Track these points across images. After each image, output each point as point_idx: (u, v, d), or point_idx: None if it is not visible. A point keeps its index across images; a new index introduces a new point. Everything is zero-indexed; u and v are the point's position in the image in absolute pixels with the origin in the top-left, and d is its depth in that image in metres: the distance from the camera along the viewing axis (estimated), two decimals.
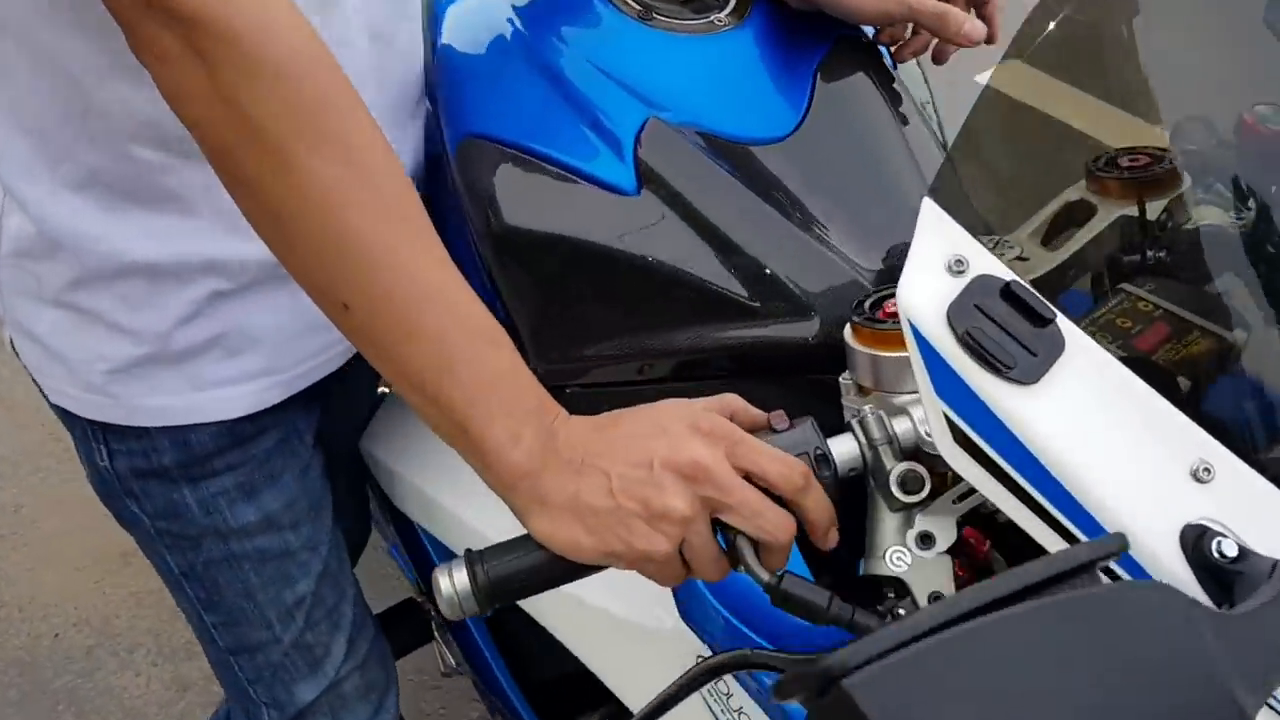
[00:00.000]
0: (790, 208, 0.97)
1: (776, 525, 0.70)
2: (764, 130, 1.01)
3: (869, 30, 1.10)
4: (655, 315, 0.95)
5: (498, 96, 1.00)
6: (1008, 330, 0.65)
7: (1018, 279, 0.66)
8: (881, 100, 1.06)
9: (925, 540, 0.74)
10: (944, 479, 0.76)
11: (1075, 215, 0.95)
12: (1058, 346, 0.65)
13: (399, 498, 1.19)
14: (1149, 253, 0.93)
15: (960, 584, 0.77)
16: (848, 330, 0.81)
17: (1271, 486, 0.64)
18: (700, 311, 0.94)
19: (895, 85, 1.09)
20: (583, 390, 0.97)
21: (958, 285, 0.67)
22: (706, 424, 0.72)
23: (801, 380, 0.95)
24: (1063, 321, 0.65)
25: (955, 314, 0.65)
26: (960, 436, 0.66)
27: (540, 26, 1.03)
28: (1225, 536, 0.62)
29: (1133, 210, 0.92)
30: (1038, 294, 0.65)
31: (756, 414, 0.79)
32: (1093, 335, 0.76)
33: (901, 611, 0.74)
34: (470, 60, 1.02)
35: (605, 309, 0.96)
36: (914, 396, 0.76)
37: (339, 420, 1.18)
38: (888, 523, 0.76)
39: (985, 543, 0.78)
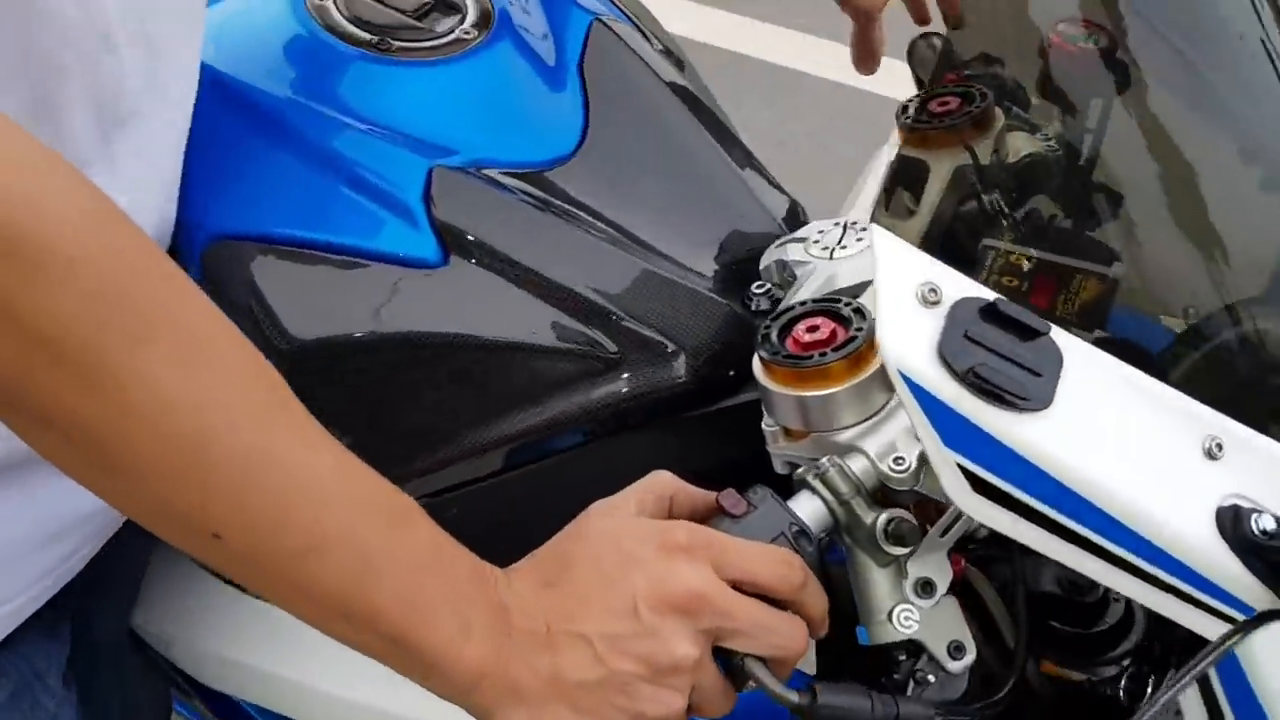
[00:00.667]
0: (613, 231, 0.85)
1: (791, 637, 0.61)
2: (552, 149, 0.87)
3: None
4: (501, 396, 0.81)
5: (236, 180, 0.80)
6: (1005, 355, 0.58)
7: (1001, 297, 0.58)
8: (656, 81, 0.95)
9: (926, 588, 0.67)
10: (926, 515, 0.68)
11: (909, 176, 0.90)
12: (1057, 358, 0.59)
13: (211, 677, 0.97)
14: (990, 198, 0.89)
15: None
16: (758, 368, 0.71)
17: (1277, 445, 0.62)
18: (552, 379, 0.81)
19: (664, 59, 0.98)
20: (434, 500, 0.81)
21: (938, 318, 0.58)
22: (678, 537, 0.62)
23: (674, 421, 0.84)
24: (1055, 330, 0.58)
25: (949, 352, 0.57)
26: (978, 484, 0.58)
27: (261, 80, 0.82)
28: (1260, 511, 0.59)
29: (964, 159, 0.87)
30: (1024, 308, 0.58)
31: (695, 493, 0.69)
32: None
33: (931, 678, 0.67)
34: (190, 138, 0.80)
35: (441, 403, 0.80)
36: (859, 429, 0.68)
37: (103, 614, 0.93)
38: (879, 580, 0.67)
39: (960, 561, 0.71)
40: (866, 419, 0.69)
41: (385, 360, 0.78)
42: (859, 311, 0.70)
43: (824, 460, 0.67)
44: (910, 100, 0.92)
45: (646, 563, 0.61)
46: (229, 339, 0.55)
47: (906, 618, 0.66)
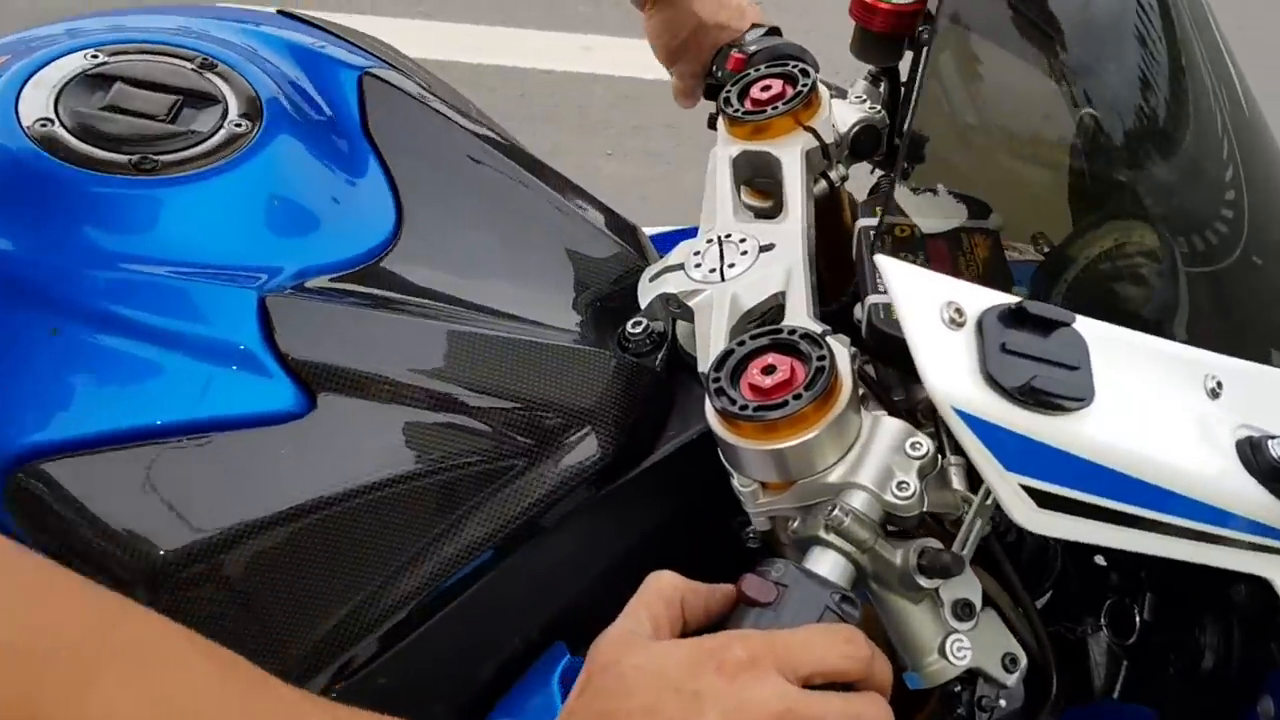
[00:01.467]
0: (467, 310, 0.74)
1: (882, 716, 0.55)
2: (372, 234, 0.76)
3: None
4: (410, 535, 0.69)
5: (15, 383, 0.61)
6: (1042, 358, 0.53)
7: (1024, 299, 0.54)
8: (446, 125, 0.84)
9: (966, 609, 0.62)
10: (931, 534, 0.64)
11: (756, 170, 0.84)
12: (1082, 345, 0.55)
13: None
14: (836, 175, 0.86)
15: None
16: (718, 424, 0.64)
17: (1265, 367, 0.62)
18: (463, 498, 0.70)
19: (441, 99, 0.87)
20: (363, 674, 0.68)
21: (969, 336, 0.53)
22: (736, 655, 0.54)
23: (601, 498, 0.76)
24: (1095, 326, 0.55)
25: (996, 372, 0.52)
26: (1041, 499, 0.54)
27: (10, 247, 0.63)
28: (1273, 437, 0.59)
29: (808, 141, 0.83)
30: (1048, 304, 0.54)
31: (701, 589, 0.61)
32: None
33: (1003, 703, 0.63)
34: None
35: (346, 568, 0.67)
36: (846, 464, 0.63)
37: None
38: (919, 618, 0.62)
39: None
40: (848, 451, 0.63)
41: (268, 542, 0.63)
42: (810, 339, 0.64)
43: (835, 512, 0.60)
44: (727, 91, 0.86)
45: (713, 696, 0.53)
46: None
47: (960, 648, 0.62)
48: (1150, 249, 0.64)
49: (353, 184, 0.76)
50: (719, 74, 0.98)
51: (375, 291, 0.71)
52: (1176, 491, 0.56)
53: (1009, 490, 0.53)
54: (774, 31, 0.99)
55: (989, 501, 0.62)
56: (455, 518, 0.69)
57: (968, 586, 0.63)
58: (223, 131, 0.71)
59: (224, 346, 0.64)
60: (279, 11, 0.91)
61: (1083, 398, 0.53)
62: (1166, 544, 0.56)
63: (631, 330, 0.81)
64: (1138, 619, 0.76)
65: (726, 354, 0.66)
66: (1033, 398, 0.52)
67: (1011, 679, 0.63)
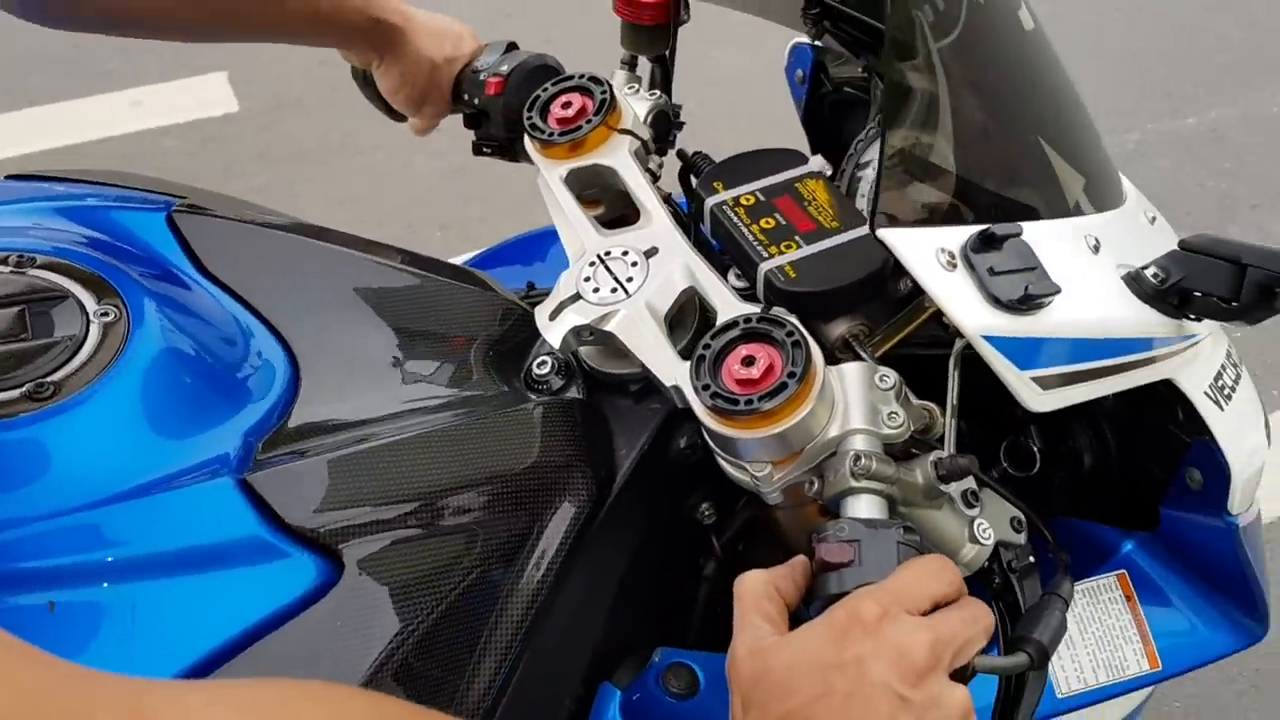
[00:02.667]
0: (403, 417, 0.73)
1: (987, 615, 0.63)
2: (278, 372, 0.71)
3: None
4: (468, 649, 0.68)
5: None
6: (1016, 269, 0.62)
7: (986, 226, 0.62)
8: (272, 235, 0.80)
9: (973, 496, 0.71)
10: (931, 444, 0.72)
11: (591, 184, 0.87)
12: (1029, 248, 0.64)
13: None
14: (654, 165, 0.90)
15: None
16: (717, 425, 0.68)
17: (1110, 214, 0.74)
18: (496, 594, 0.70)
19: (246, 207, 0.82)
20: None
21: (965, 274, 0.61)
22: (867, 612, 0.59)
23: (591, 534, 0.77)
24: (1028, 228, 0.64)
25: (998, 293, 0.60)
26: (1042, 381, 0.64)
27: None
28: (1145, 266, 0.72)
29: (630, 143, 0.86)
30: (1002, 224, 0.62)
31: (782, 573, 0.66)
32: (765, 246, 0.76)
33: (1030, 559, 0.72)
34: None
35: (426, 697, 0.65)
36: (839, 416, 0.69)
37: None
38: (946, 520, 0.70)
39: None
40: (834, 406, 0.69)
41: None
42: (773, 321, 0.69)
43: (861, 461, 0.66)
44: (530, 118, 0.87)
45: (872, 654, 0.58)
46: None
47: (983, 529, 0.70)
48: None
49: (229, 327, 0.70)
50: (476, 102, 0.98)
51: (320, 432, 0.67)
52: (1118, 336, 0.67)
53: (1023, 385, 0.61)
54: (512, 46, 1.00)
55: (955, 403, 0.71)
56: (494, 616, 0.69)
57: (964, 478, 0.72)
58: (94, 326, 0.64)
59: (231, 547, 0.59)
60: (9, 177, 0.80)
61: (1055, 290, 0.62)
62: (1124, 380, 0.68)
63: (538, 371, 0.82)
64: (1035, 449, 0.88)
65: (701, 357, 0.69)
66: (1027, 303, 0.60)
67: (1022, 537, 0.73)
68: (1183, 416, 0.76)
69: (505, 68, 0.95)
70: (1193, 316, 0.72)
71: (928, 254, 0.60)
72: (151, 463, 0.60)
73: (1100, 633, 0.82)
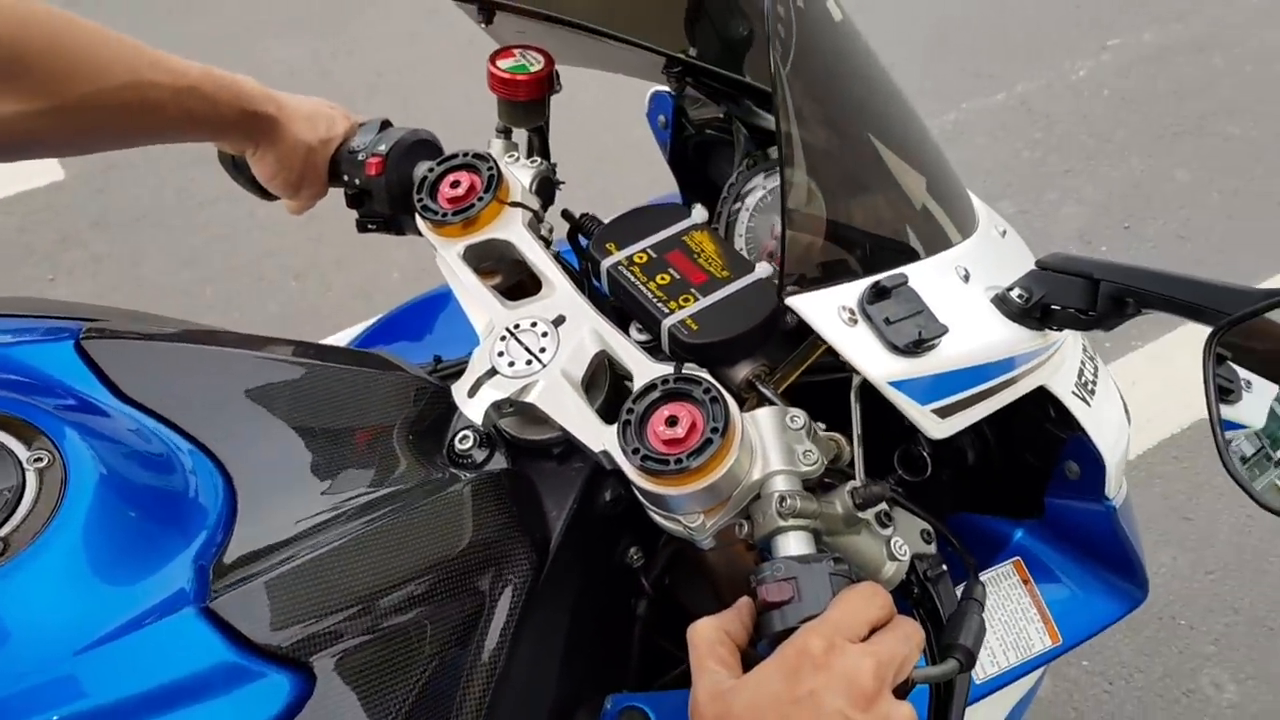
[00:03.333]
0: (343, 518, 0.75)
1: (919, 631, 0.69)
2: (215, 489, 0.72)
3: None
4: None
5: None
6: (906, 315, 0.68)
7: (876, 280, 0.67)
8: (179, 349, 0.81)
9: (886, 517, 0.77)
10: (843, 471, 0.77)
11: (491, 257, 0.90)
12: (917, 294, 0.71)
13: None
14: (545, 230, 0.93)
15: None
16: (649, 485, 0.72)
17: (970, 243, 0.82)
18: (457, 678, 0.73)
19: (159, 323, 0.82)
20: None
21: (865, 327, 0.67)
22: (814, 647, 0.65)
23: (536, 599, 0.81)
24: (908, 271, 0.70)
25: (897, 342, 0.66)
26: (943, 413, 0.70)
27: None
28: (1010, 289, 0.79)
29: (521, 215, 0.90)
30: (886, 274, 0.68)
31: (730, 617, 0.71)
32: (665, 302, 0.81)
33: (942, 568, 0.79)
34: None
35: None
36: (760, 459, 0.74)
37: None
38: (866, 543, 0.76)
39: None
40: (754, 451, 0.74)
41: None
42: (690, 380, 0.73)
43: (787, 501, 0.71)
44: (420, 199, 0.89)
45: (825, 687, 0.63)
46: None
47: (900, 546, 0.77)
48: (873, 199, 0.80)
49: (159, 451, 0.71)
50: (357, 182, 1.00)
51: (267, 546, 0.69)
52: (996, 359, 0.74)
53: (925, 418, 0.68)
54: (386, 124, 1.02)
55: (860, 432, 0.77)
56: (459, 696, 0.71)
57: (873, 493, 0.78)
58: (30, 474, 0.63)
59: (205, 676, 0.60)
60: None
61: (944, 331, 0.68)
62: (1008, 395, 0.75)
63: (461, 446, 0.84)
64: (925, 454, 0.96)
65: (626, 421, 0.73)
66: (920, 346, 0.66)
67: (933, 546, 0.80)
68: (1055, 414, 0.84)
69: (383, 147, 0.97)
70: (1055, 328, 0.80)
71: (831, 314, 0.65)
72: (113, 606, 0.60)
73: (1005, 618, 0.89)
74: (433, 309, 1.17)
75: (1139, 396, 2.30)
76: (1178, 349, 2.44)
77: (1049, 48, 3.51)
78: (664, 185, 1.20)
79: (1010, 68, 3.42)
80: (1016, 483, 0.93)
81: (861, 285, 0.69)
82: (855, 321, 0.67)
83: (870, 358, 0.65)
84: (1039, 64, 3.44)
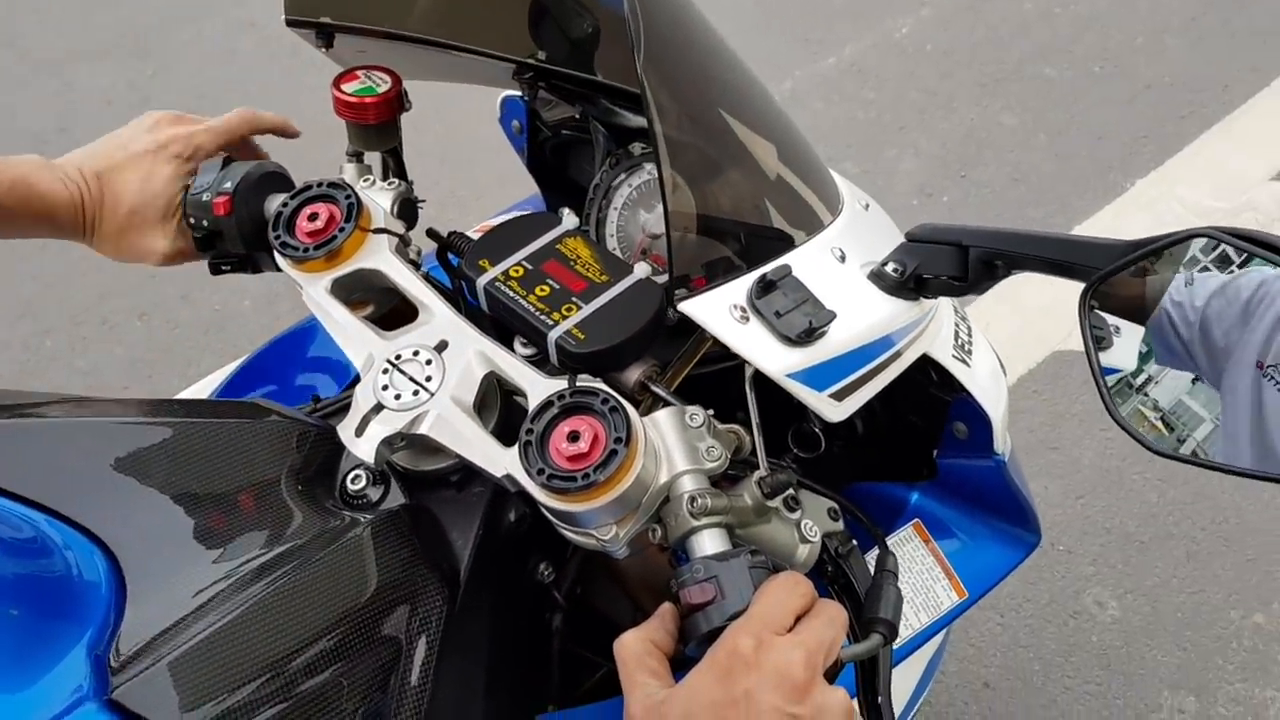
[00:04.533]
0: (242, 583, 0.72)
1: (841, 613, 0.70)
2: (98, 571, 0.68)
3: None
4: None
5: None
6: (794, 306, 0.69)
7: (762, 272, 0.68)
8: (37, 425, 0.76)
9: (794, 500, 0.77)
10: (745, 461, 0.78)
11: (361, 287, 0.87)
12: (801, 282, 0.71)
13: None
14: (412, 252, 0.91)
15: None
16: (558, 503, 0.71)
17: (840, 223, 0.83)
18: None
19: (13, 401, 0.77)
20: None
21: (756, 322, 0.67)
22: (744, 647, 0.65)
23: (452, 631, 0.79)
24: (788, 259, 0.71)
25: (789, 334, 0.67)
26: (839, 396, 0.71)
27: None
28: (885, 263, 0.81)
29: (386, 242, 0.87)
30: (770, 267, 0.69)
31: (656, 625, 0.71)
32: (547, 314, 0.80)
33: (851, 544, 0.80)
34: None
35: None
36: (665, 464, 0.74)
37: None
38: (778, 530, 0.76)
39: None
40: (657, 455, 0.74)
41: None
42: (587, 392, 0.72)
43: (697, 500, 0.71)
44: (278, 236, 0.86)
45: (759, 685, 0.63)
46: None
47: (810, 527, 0.77)
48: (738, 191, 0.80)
49: (33, 538, 0.66)
50: (205, 224, 0.95)
51: (164, 626, 0.65)
52: (881, 336, 0.75)
53: (822, 404, 0.69)
54: (228, 159, 0.97)
55: (759, 421, 0.78)
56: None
57: (782, 480, 0.79)
58: None
59: None
60: None
61: (832, 317, 0.69)
62: (895, 368, 0.76)
63: (353, 487, 0.81)
64: (816, 430, 0.97)
65: (527, 443, 0.72)
66: (812, 335, 0.67)
67: (839, 524, 0.81)
68: (937, 378, 0.86)
69: (229, 184, 0.92)
70: (930, 296, 0.82)
71: (723, 314, 0.65)
72: (9, 712, 0.56)
73: (913, 580, 0.92)
74: (297, 346, 1.13)
75: (994, 339, 2.40)
76: (1022, 286, 2.54)
77: (871, 9, 3.60)
78: (516, 183, 1.18)
79: (836, 32, 3.50)
80: (905, 447, 0.95)
81: (748, 281, 0.69)
82: (747, 318, 0.67)
83: (767, 354, 0.66)
84: (863, 26, 3.52)
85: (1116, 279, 0.72)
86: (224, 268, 0.98)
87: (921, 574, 0.93)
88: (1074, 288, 0.72)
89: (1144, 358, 0.82)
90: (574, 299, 0.82)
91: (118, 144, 0.95)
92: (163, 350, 2.46)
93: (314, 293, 0.85)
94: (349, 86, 0.92)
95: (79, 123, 3.12)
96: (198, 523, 0.74)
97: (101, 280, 2.58)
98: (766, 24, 3.52)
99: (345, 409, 0.84)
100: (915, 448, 0.95)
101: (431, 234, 0.93)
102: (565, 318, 0.81)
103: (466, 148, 2.72)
